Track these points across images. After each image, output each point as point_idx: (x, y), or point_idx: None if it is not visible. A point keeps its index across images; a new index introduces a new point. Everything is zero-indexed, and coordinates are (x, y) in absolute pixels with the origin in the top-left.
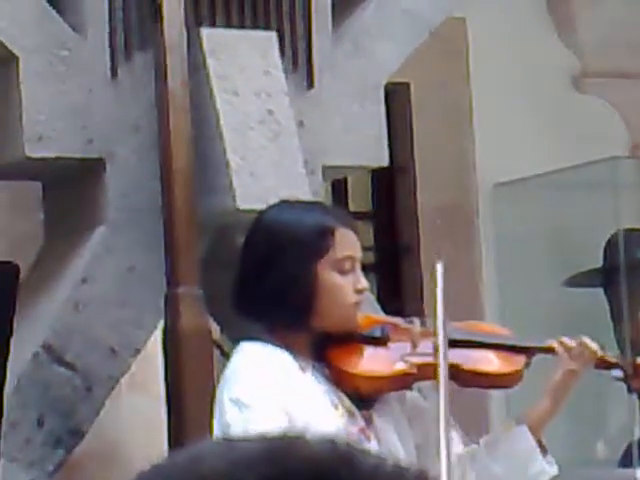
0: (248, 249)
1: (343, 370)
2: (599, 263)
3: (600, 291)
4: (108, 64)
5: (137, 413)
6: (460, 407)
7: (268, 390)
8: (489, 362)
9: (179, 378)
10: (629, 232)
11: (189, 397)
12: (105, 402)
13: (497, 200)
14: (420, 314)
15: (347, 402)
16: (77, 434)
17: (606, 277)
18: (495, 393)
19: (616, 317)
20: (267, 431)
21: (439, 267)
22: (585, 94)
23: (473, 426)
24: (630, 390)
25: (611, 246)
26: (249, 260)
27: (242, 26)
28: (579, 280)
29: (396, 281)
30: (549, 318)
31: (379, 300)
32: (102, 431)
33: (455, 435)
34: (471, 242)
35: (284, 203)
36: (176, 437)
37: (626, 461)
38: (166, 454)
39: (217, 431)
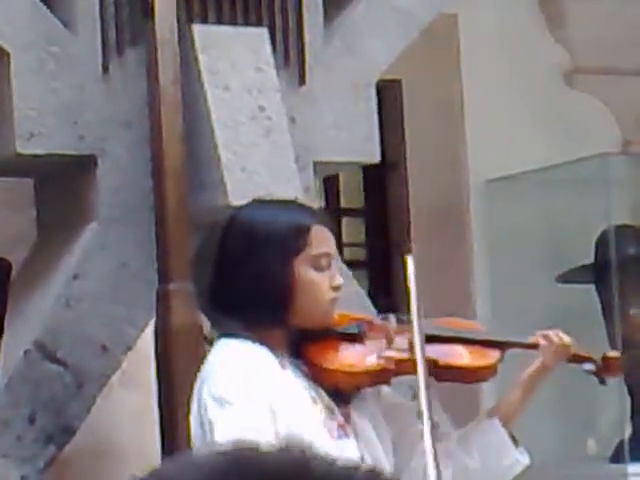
0: (224, 247)
1: (321, 366)
2: (590, 259)
3: (591, 287)
4: (99, 60)
5: (128, 409)
6: (451, 402)
7: (250, 387)
8: (463, 356)
9: (170, 374)
10: (620, 229)
11: (180, 393)
12: (96, 399)
13: (488, 197)
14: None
15: (326, 398)
16: (68, 431)
17: (597, 273)
18: (486, 387)
19: (607, 313)
20: (250, 428)
21: (410, 261)
22: (576, 90)
23: (465, 421)
24: (602, 382)
25: (602, 243)
26: (225, 258)
27: (234, 22)
28: (570, 276)
29: (387, 278)
30: (541, 314)
31: (370, 296)
32: (93, 428)
33: None
34: (462, 238)
35: (258, 202)
36: (168, 433)
37: (617, 458)
38: (157, 449)
39: (196, 429)
